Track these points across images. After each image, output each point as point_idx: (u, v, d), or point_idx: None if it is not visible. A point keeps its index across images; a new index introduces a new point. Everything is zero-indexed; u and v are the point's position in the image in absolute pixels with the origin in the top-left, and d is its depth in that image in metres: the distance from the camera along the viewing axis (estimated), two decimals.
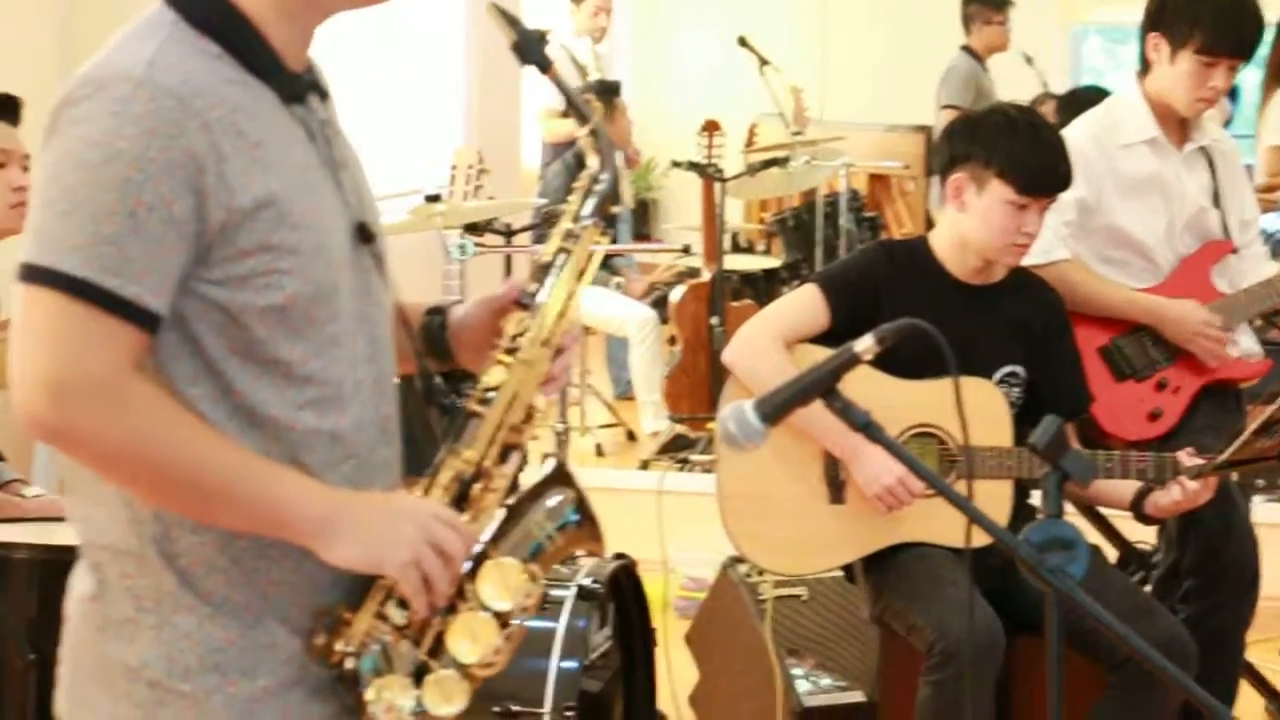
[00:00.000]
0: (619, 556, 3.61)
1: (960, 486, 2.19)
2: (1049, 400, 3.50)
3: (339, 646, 1.86)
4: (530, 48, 2.03)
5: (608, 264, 7.48)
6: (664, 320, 7.42)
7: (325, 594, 1.88)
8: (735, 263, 7.57)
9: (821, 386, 2.06)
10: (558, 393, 2.08)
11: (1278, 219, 6.21)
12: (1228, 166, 4.11)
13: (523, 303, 2.03)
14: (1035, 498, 3.64)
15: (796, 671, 3.95)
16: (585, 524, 2.01)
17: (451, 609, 1.91)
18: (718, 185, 7.02)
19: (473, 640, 1.91)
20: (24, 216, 3.94)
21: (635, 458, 7.18)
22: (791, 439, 3.49)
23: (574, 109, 2.07)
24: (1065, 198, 3.67)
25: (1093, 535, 4.09)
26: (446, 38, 7.60)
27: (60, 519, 3.56)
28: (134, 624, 1.85)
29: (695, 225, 7.43)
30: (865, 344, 2.07)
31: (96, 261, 1.75)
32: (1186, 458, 3.45)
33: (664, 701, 3.92)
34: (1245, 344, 4.09)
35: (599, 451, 7.33)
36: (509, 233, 5.73)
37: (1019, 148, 3.52)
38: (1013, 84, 8.50)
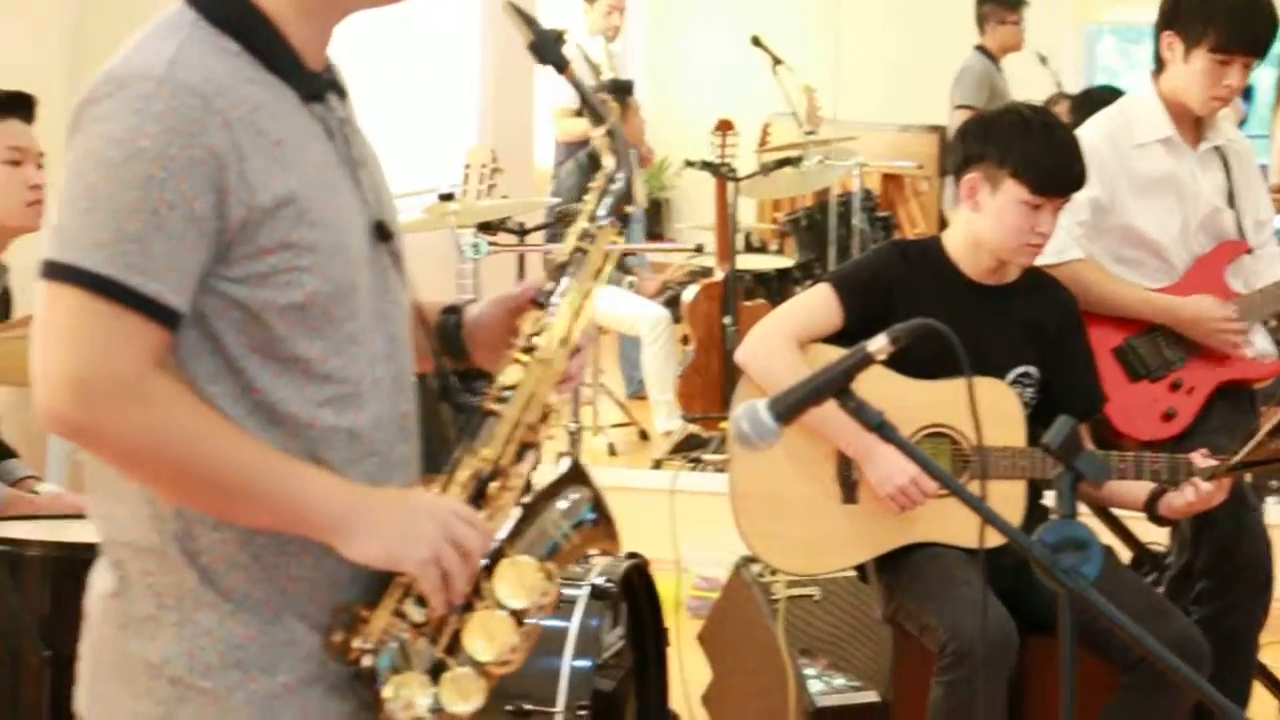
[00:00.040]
0: (632, 556, 3.61)
1: (973, 487, 2.18)
2: (1062, 401, 3.50)
3: (357, 643, 1.87)
4: (547, 47, 2.03)
5: (621, 263, 7.49)
6: (677, 319, 7.42)
7: (344, 591, 1.88)
8: (748, 262, 7.57)
9: (835, 386, 2.06)
10: (572, 391, 2.08)
11: None
12: (1242, 166, 4.11)
13: (539, 302, 2.04)
14: (1048, 498, 3.64)
15: (809, 671, 3.95)
16: (602, 523, 2.01)
17: (468, 607, 1.91)
18: (731, 185, 7.02)
19: (489, 638, 1.91)
20: (40, 214, 3.99)
21: (648, 457, 7.18)
22: (804, 439, 3.49)
23: (590, 109, 2.07)
24: (1079, 197, 3.67)
25: (1106, 536, 4.09)
26: (461, 37, 7.60)
27: (73, 516, 3.57)
28: (155, 621, 1.86)
29: (708, 225, 7.43)
30: (879, 344, 2.07)
31: (119, 259, 1.76)
32: (1200, 459, 3.45)
33: (676, 701, 3.92)
34: (1260, 344, 4.08)
35: (611, 451, 7.34)
36: (522, 231, 5.73)
37: (1033, 148, 3.51)
38: (1027, 84, 8.49)
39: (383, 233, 1.94)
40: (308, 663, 1.87)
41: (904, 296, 3.53)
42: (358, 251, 1.89)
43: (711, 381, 7.06)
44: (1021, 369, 3.61)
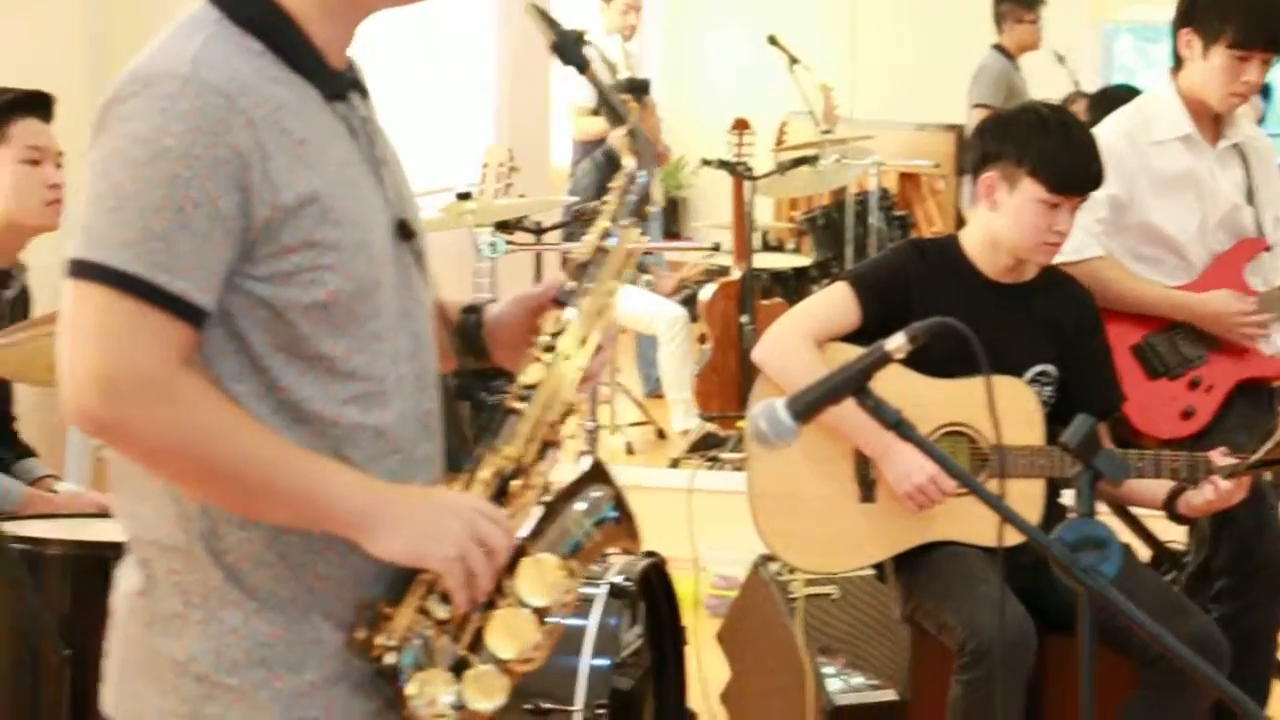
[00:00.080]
0: (650, 555, 3.61)
1: (992, 485, 2.18)
2: (1080, 399, 3.49)
3: (380, 641, 1.87)
4: (569, 48, 2.04)
5: (637, 262, 7.48)
6: (694, 318, 7.42)
7: (369, 589, 1.89)
8: (765, 261, 7.57)
9: (853, 385, 2.06)
10: (590, 390, 2.09)
11: None
12: (1261, 164, 4.10)
13: (560, 301, 2.04)
14: (1067, 497, 3.63)
15: (828, 670, 3.94)
16: (623, 521, 2.01)
17: (490, 605, 1.92)
18: (747, 183, 7.01)
19: (512, 636, 1.91)
20: (59, 213, 4.00)
21: (665, 456, 7.17)
22: (822, 437, 3.49)
23: (611, 110, 2.08)
24: (1097, 195, 3.66)
25: (1125, 534, 4.08)
26: (477, 36, 7.61)
27: (92, 515, 3.58)
28: (182, 619, 1.87)
29: (725, 223, 7.43)
30: (897, 342, 2.07)
31: (145, 257, 1.77)
32: (1219, 457, 3.44)
33: (695, 700, 3.92)
34: (1279, 342, 4.07)
35: (629, 450, 7.34)
36: (539, 230, 5.74)
37: (1050, 146, 3.51)
38: (1044, 83, 8.48)
39: (405, 231, 1.95)
40: (333, 661, 1.88)
41: (922, 295, 3.52)
42: (381, 249, 1.90)
43: (729, 380, 7.06)
44: (1039, 367, 3.60)
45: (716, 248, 7.22)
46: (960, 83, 8.60)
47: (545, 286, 2.09)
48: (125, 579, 1.93)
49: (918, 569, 3.55)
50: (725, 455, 6.73)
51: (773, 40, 7.93)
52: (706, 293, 7.25)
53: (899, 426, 2.05)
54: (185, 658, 1.86)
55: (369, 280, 1.87)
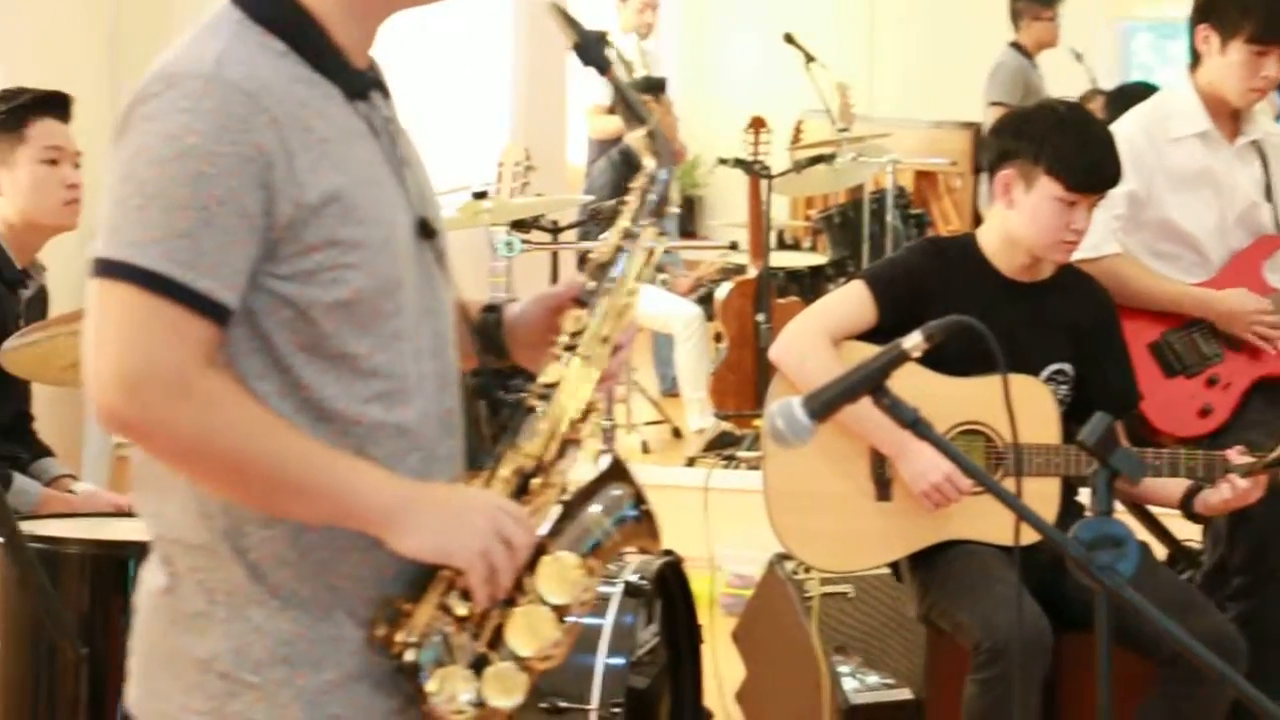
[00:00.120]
0: (665, 553, 3.61)
1: (1008, 484, 2.18)
2: (1097, 398, 3.49)
3: (400, 638, 1.88)
4: (590, 49, 2.04)
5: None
6: (710, 317, 7.41)
7: (390, 587, 1.89)
8: (781, 260, 7.56)
9: (870, 383, 2.06)
10: (612, 389, 2.09)
11: None
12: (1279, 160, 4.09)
13: (581, 300, 2.05)
14: (1083, 496, 3.63)
15: (843, 669, 3.94)
16: (643, 520, 2.02)
17: (510, 602, 1.92)
18: (764, 182, 7.01)
19: (531, 634, 1.92)
20: (78, 213, 4.02)
21: (681, 455, 7.17)
22: (838, 436, 3.49)
23: (632, 111, 2.08)
24: (1115, 192, 3.66)
25: (1141, 533, 4.07)
26: (493, 35, 7.61)
27: (109, 514, 3.59)
28: (206, 617, 1.87)
29: (741, 222, 7.42)
30: (913, 341, 2.07)
31: (170, 255, 1.78)
32: (1236, 455, 3.44)
33: (710, 698, 3.92)
34: None
35: (644, 448, 7.33)
36: (556, 229, 5.74)
37: (1067, 144, 3.50)
38: (1061, 80, 8.46)
39: (426, 230, 1.95)
40: (355, 658, 1.89)
41: (938, 294, 3.52)
42: (403, 248, 1.91)
43: (745, 379, 7.05)
44: (1056, 366, 3.60)
45: (733, 246, 7.21)
46: (977, 80, 8.58)
47: (566, 286, 2.09)
48: (149, 577, 1.94)
49: (933, 568, 3.55)
50: (741, 454, 6.72)
51: (789, 38, 7.92)
52: (722, 291, 7.25)
53: (916, 425, 2.05)
54: (208, 656, 1.87)
55: (391, 279, 1.88)
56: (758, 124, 7.17)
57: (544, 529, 1.96)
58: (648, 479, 2.06)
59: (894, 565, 3.72)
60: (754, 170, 7.05)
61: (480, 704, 1.90)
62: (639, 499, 2.02)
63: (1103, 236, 3.83)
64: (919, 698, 3.83)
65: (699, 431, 7.25)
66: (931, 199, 8.96)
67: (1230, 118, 4.03)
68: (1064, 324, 3.62)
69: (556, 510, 1.98)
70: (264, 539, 1.86)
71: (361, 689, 1.89)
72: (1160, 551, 4.12)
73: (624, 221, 2.08)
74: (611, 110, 8.21)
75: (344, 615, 1.88)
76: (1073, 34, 8.85)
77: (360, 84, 1.93)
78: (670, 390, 7.84)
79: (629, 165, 7.46)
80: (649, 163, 2.10)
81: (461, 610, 1.89)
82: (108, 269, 1.80)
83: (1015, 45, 8.59)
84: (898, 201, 7.75)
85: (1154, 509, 4.09)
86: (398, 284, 1.89)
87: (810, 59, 7.90)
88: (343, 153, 1.86)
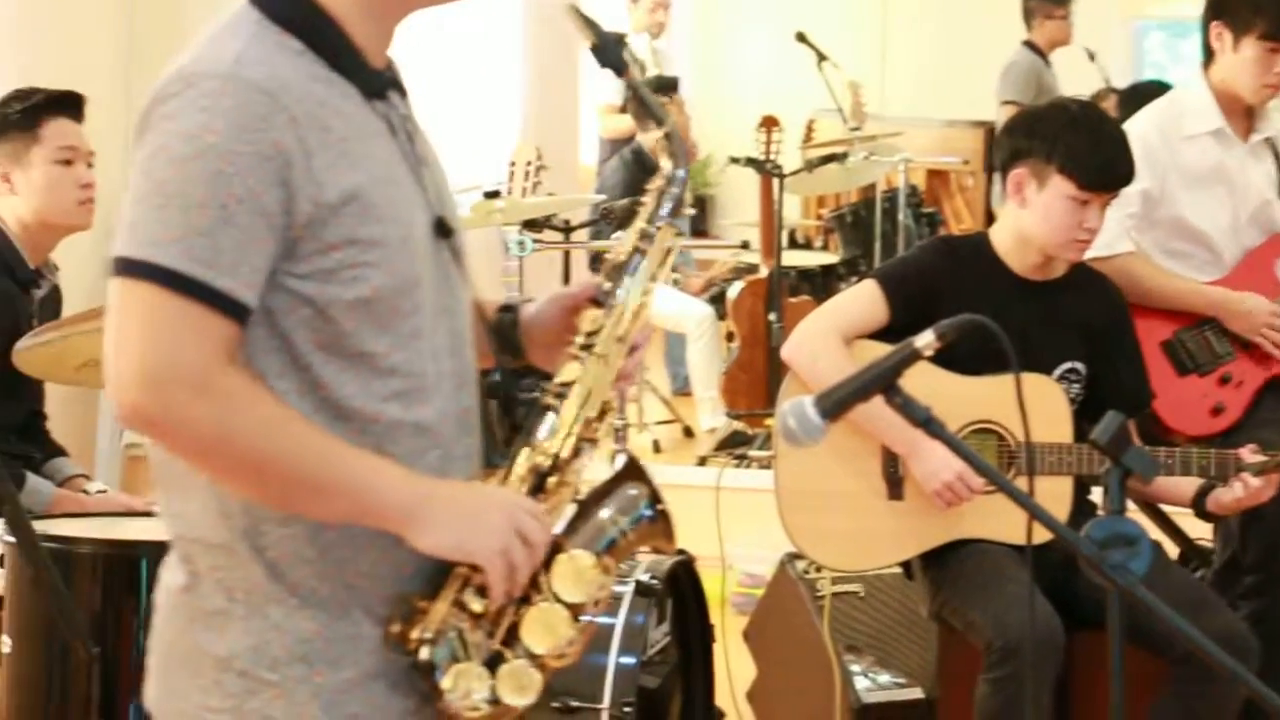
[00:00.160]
0: (677, 552, 3.61)
1: (1020, 483, 2.17)
2: (1110, 396, 3.49)
3: (415, 634, 1.88)
4: (608, 50, 2.06)
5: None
6: (721, 316, 7.41)
7: (408, 585, 1.90)
8: (793, 259, 7.56)
9: (882, 382, 2.06)
10: (627, 389, 2.10)
11: None
12: None
13: (598, 300, 2.05)
14: (1095, 495, 3.62)
15: (855, 668, 3.94)
16: (659, 520, 2.02)
17: (525, 600, 1.93)
18: (776, 181, 7.01)
19: (546, 632, 1.92)
20: (91, 212, 4.02)
21: (692, 454, 7.17)
22: (850, 435, 3.49)
23: (650, 113, 2.09)
24: (1129, 190, 3.65)
25: (1153, 532, 4.06)
26: (504, 34, 7.62)
27: (122, 514, 3.60)
28: (225, 615, 1.88)
29: (753, 221, 7.42)
30: (926, 340, 2.06)
31: (189, 254, 1.78)
32: (1249, 454, 3.44)
33: (722, 698, 3.92)
34: None
35: (656, 448, 7.34)
36: (567, 229, 5.74)
37: (1080, 143, 3.50)
38: (1074, 79, 8.45)
39: (443, 229, 1.96)
40: (373, 657, 1.89)
41: (950, 293, 3.51)
42: (421, 246, 1.91)
43: (756, 378, 7.05)
44: (1068, 365, 3.59)
45: (745, 245, 7.21)
46: (989, 79, 8.57)
47: (582, 286, 2.10)
48: (169, 576, 1.95)
49: (945, 567, 3.54)
50: (752, 453, 6.72)
51: (801, 37, 7.92)
52: (734, 291, 7.25)
53: (928, 424, 2.05)
54: (227, 653, 1.88)
55: (410, 277, 1.89)
56: (769, 123, 7.17)
57: (559, 527, 1.97)
58: (659, 478, 2.07)
59: (905, 564, 3.72)
60: (766, 169, 7.05)
61: (495, 701, 1.90)
62: (655, 498, 2.03)
63: (1116, 235, 3.83)
64: (931, 697, 3.83)
65: (710, 431, 7.25)
66: (944, 198, 8.96)
67: (1244, 115, 4.02)
68: (1076, 323, 3.62)
69: (571, 509, 1.99)
70: (282, 537, 1.87)
71: (379, 687, 1.90)
72: (1172, 550, 4.12)
73: (640, 222, 2.09)
74: (623, 110, 8.22)
75: (362, 614, 1.89)
76: (1085, 33, 8.84)
77: (378, 83, 1.93)
78: (682, 389, 7.84)
79: (641, 164, 7.46)
80: (666, 164, 2.10)
81: (477, 607, 1.89)
82: (128, 268, 1.81)
83: (1028, 44, 8.58)
84: (910, 200, 7.75)
85: (1166, 508, 4.09)
86: (416, 282, 1.89)
87: (822, 58, 7.90)
88: (361, 152, 1.86)
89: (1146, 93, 5.42)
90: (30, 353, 3.52)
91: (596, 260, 6.77)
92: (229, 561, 1.88)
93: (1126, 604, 2.05)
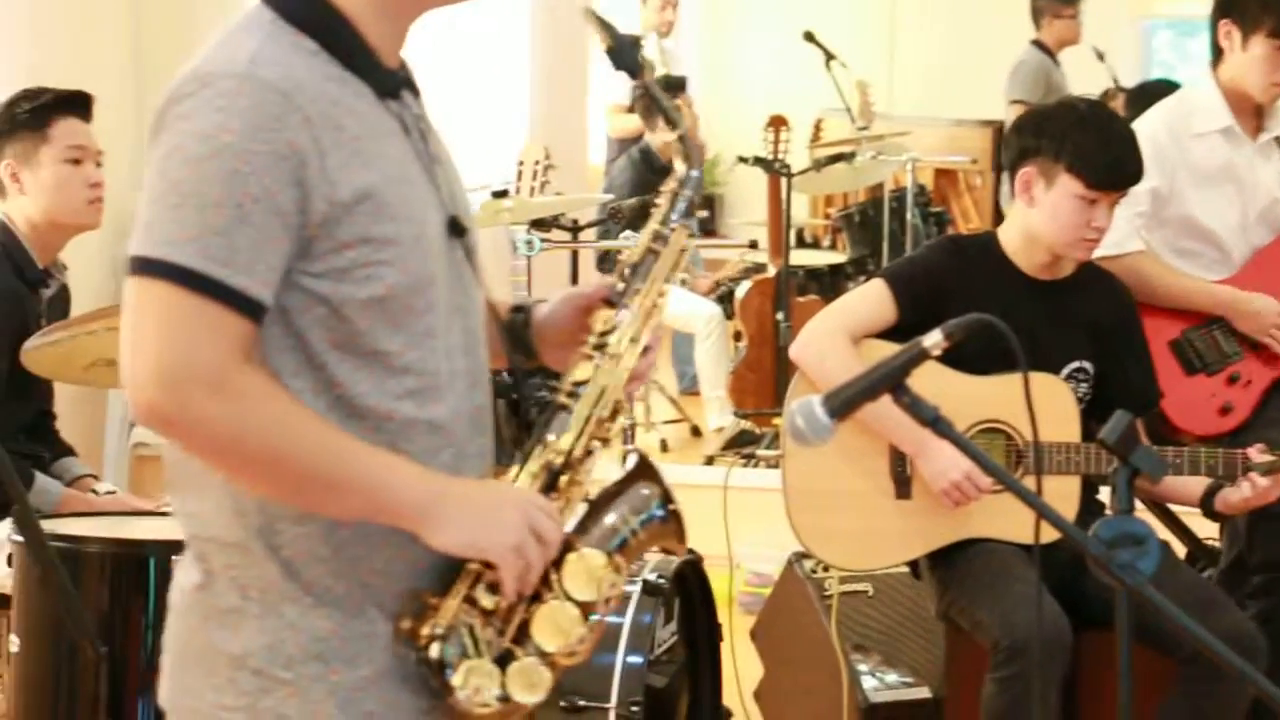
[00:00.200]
0: (685, 551, 3.61)
1: (1028, 482, 2.17)
2: (1118, 396, 3.48)
3: (425, 630, 1.88)
4: (625, 53, 2.07)
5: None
6: (729, 316, 7.41)
7: (423, 583, 1.90)
8: (801, 258, 7.56)
9: (890, 381, 2.06)
10: (640, 389, 2.10)
11: None
12: None
13: (610, 301, 2.06)
14: (1103, 494, 3.62)
15: (862, 667, 3.94)
16: (670, 520, 2.03)
17: (536, 598, 1.93)
18: (784, 180, 7.01)
19: (557, 630, 1.93)
20: (100, 211, 4.02)
21: (700, 453, 7.17)
22: (858, 434, 3.49)
23: (664, 115, 2.09)
24: (1138, 189, 3.65)
25: (1161, 531, 4.06)
26: (512, 34, 7.62)
27: (130, 514, 3.60)
28: (239, 613, 1.89)
29: (761, 220, 7.43)
30: (934, 339, 2.06)
31: (205, 252, 1.79)
32: (1257, 454, 3.43)
33: (729, 697, 3.92)
34: None
35: (664, 447, 7.34)
36: (575, 228, 5.74)
37: (1088, 141, 3.49)
38: (1083, 78, 8.44)
39: (456, 228, 1.96)
40: (388, 655, 1.90)
41: (958, 292, 3.51)
42: (434, 245, 1.92)
43: (764, 377, 7.05)
44: (1076, 364, 3.59)
45: (753, 245, 7.22)
46: (997, 78, 8.57)
47: (596, 287, 2.11)
48: (183, 575, 1.95)
49: (953, 566, 3.54)
50: (760, 452, 6.72)
51: (809, 37, 7.92)
52: (742, 290, 7.25)
53: (936, 423, 2.05)
54: (241, 652, 1.88)
55: (424, 276, 1.89)
56: (777, 122, 7.17)
57: (570, 526, 1.97)
58: (667, 478, 2.07)
59: (913, 563, 3.72)
60: (774, 168, 7.05)
61: (505, 698, 1.90)
62: (667, 498, 2.03)
63: (1124, 234, 3.83)
64: (938, 696, 3.83)
65: (718, 430, 7.25)
66: (952, 197, 8.96)
67: (1253, 114, 4.02)
68: (1084, 322, 3.61)
69: (582, 508, 1.99)
70: (297, 536, 1.87)
71: (395, 685, 1.90)
72: (1180, 550, 4.12)
73: (654, 223, 2.09)
74: (631, 109, 8.22)
75: (377, 611, 1.89)
76: (1094, 32, 8.84)
77: (391, 83, 1.94)
78: (689, 389, 7.85)
79: (649, 164, 7.46)
80: (679, 166, 2.11)
81: (488, 603, 1.90)
82: (144, 267, 1.81)
83: (1037, 43, 8.58)
84: (918, 200, 7.74)
85: (1174, 507, 4.08)
86: (430, 281, 1.90)
87: (830, 57, 7.90)
88: (375, 151, 1.87)
89: (1154, 92, 5.42)
90: (39, 352, 3.53)
91: (604, 259, 6.77)
92: (244, 560, 1.88)
93: (1134, 603, 2.05)
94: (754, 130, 7.37)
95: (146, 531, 3.34)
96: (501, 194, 4.75)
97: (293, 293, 1.84)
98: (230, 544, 1.89)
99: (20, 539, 3.09)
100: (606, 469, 2.05)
